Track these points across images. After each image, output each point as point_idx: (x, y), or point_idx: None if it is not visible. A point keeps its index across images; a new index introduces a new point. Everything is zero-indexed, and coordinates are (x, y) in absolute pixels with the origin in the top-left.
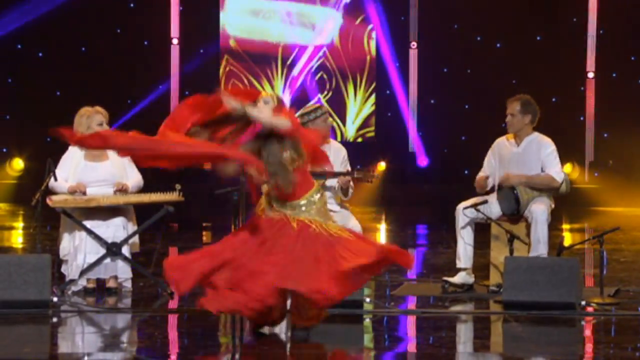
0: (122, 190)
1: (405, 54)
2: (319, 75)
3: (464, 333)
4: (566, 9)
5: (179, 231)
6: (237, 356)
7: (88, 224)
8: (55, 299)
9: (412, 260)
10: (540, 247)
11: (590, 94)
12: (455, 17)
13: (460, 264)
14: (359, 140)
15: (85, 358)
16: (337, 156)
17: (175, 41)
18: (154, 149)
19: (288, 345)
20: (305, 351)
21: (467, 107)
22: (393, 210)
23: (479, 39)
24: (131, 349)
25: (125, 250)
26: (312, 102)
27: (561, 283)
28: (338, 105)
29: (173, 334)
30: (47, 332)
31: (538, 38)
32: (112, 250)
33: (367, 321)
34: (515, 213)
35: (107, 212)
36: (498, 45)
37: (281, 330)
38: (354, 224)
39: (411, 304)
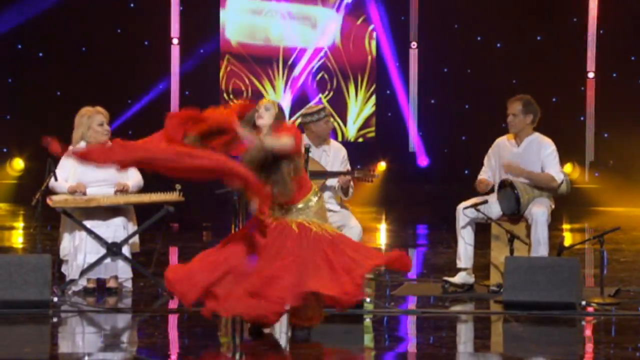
0: (122, 190)
1: (406, 53)
2: (320, 75)
3: (465, 333)
4: (566, 9)
5: (179, 231)
6: (237, 356)
7: (88, 224)
8: (55, 299)
9: (411, 263)
10: (540, 249)
11: (591, 94)
12: (456, 17)
13: (460, 264)
14: (360, 140)
15: (86, 358)
16: (337, 156)
17: (175, 41)
18: (173, 160)
19: (288, 346)
20: (305, 351)
21: (467, 107)
22: (393, 210)
23: (479, 39)
24: (131, 349)
25: (126, 250)
26: (312, 103)
27: (561, 283)
28: (339, 106)
29: (173, 334)
30: (47, 332)
31: (538, 38)
32: (113, 250)
33: (367, 321)
34: (515, 213)
35: (107, 212)
36: (498, 45)
37: (281, 330)
38: (354, 224)
39: (411, 304)
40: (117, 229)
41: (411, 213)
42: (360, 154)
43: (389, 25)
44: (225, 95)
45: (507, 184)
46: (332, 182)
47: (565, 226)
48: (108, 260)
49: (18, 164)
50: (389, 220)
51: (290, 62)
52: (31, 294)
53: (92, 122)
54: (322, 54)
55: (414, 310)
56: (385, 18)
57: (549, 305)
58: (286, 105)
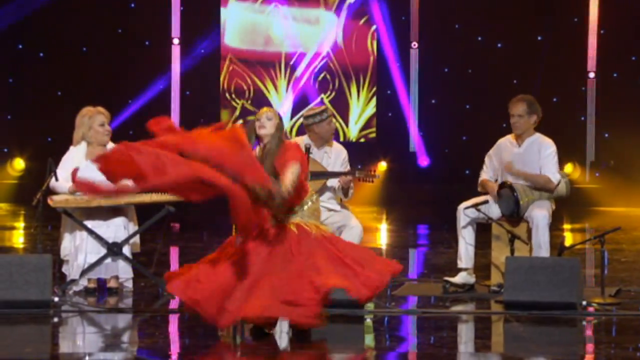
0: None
1: (406, 54)
2: (322, 75)
3: (465, 333)
4: (567, 9)
5: (180, 231)
6: (237, 356)
7: (89, 223)
8: (56, 299)
9: (399, 268)
10: (541, 252)
11: (591, 94)
12: (456, 17)
13: (461, 264)
14: (361, 140)
15: (87, 358)
16: (337, 158)
17: (175, 41)
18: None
19: (288, 346)
20: (305, 351)
21: (468, 107)
22: (394, 210)
23: (480, 39)
24: (132, 349)
25: (126, 250)
26: (314, 103)
27: (562, 283)
28: (341, 106)
29: (174, 334)
30: (48, 332)
31: (539, 38)
32: (113, 250)
33: (368, 321)
34: (514, 215)
35: (108, 212)
36: (499, 45)
37: (281, 330)
38: (355, 224)
39: (412, 304)
40: (117, 229)
41: (412, 213)
42: (360, 154)
43: (390, 26)
44: (227, 95)
45: (507, 185)
46: (332, 182)
47: (566, 226)
48: (109, 260)
49: (19, 163)
50: (389, 220)
51: (292, 62)
52: (32, 294)
53: (93, 123)
54: (324, 54)
55: (415, 310)
56: (387, 18)
57: (550, 305)
58: (288, 106)
